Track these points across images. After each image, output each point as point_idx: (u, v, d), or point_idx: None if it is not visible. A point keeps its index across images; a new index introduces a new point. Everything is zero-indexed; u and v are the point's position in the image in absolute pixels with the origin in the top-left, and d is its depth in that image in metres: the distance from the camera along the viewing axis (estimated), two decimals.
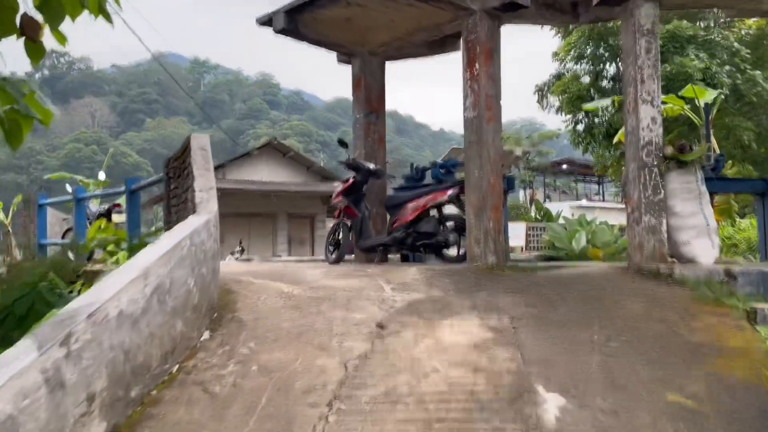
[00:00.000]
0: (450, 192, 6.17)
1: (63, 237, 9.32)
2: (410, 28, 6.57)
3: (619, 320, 3.97)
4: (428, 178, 6.98)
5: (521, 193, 32.56)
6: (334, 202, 6.69)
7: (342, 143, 6.72)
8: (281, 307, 4.06)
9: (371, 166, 6.67)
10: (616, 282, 5.00)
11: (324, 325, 3.74)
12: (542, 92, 18.36)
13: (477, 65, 5.63)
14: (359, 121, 7.08)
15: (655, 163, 5.21)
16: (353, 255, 7.14)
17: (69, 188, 10.03)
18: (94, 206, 9.24)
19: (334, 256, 6.69)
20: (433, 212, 6.38)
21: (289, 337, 3.59)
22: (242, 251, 16.71)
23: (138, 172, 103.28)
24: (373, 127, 7.09)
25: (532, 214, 22.04)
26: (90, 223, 9.10)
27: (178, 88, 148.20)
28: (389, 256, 7.17)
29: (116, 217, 8.93)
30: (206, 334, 3.56)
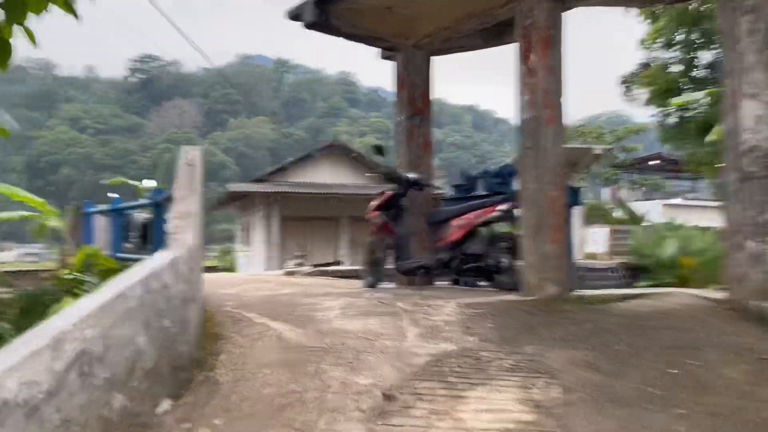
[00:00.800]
0: (501, 207, 5.23)
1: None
2: (458, 15, 5.65)
3: (717, 396, 2.93)
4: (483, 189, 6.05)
5: (604, 192, 30.52)
6: (369, 218, 5.89)
7: (378, 150, 5.89)
8: (273, 362, 3.31)
9: (412, 175, 5.82)
10: (711, 327, 3.90)
11: (316, 394, 2.95)
12: (628, 84, 16.76)
13: (533, 56, 4.65)
14: (402, 125, 6.24)
15: (764, 174, 4.05)
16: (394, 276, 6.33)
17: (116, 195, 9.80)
18: (141, 216, 8.91)
19: (369, 279, 5.91)
20: (484, 230, 5.46)
21: (269, 410, 2.82)
22: (303, 257, 16.28)
23: (223, 171, 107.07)
24: (418, 130, 6.23)
25: (617, 215, 20.35)
26: (130, 237, 8.78)
27: (260, 88, 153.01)
28: (436, 279, 6.30)
29: None
30: (165, 405, 2.85)
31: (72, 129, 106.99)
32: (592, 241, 16.12)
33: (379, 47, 6.36)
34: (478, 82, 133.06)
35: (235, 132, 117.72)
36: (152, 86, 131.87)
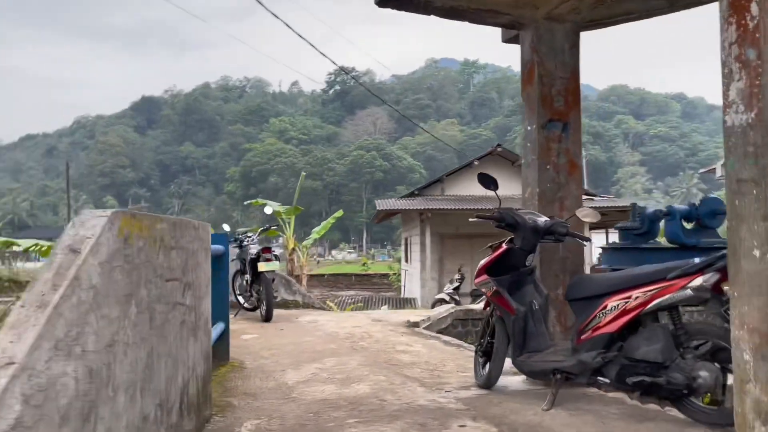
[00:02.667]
0: (698, 281, 2.94)
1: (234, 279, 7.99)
2: None
3: None
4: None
5: None
6: (476, 284, 3.88)
7: (486, 180, 3.82)
8: None
9: (542, 219, 3.72)
10: None
11: None
12: None
13: (751, 15, 2.33)
14: (530, 136, 4.13)
15: None
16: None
17: (226, 228, 8.89)
18: (255, 247, 7.82)
19: (483, 373, 3.93)
20: (664, 318, 3.20)
21: None
22: (461, 280, 14.39)
23: (411, 175, 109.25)
24: (557, 145, 4.07)
25: None
26: (238, 273, 7.71)
27: (448, 91, 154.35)
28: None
29: (264, 266, 7.35)
30: None
31: (279, 140, 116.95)
32: None
33: (496, 25, 4.31)
34: (679, 67, 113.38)
35: (423, 136, 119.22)
36: (347, 96, 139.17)
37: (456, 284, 14.20)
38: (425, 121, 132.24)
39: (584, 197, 15.95)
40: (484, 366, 3.97)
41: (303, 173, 14.23)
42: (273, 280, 7.75)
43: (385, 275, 32.15)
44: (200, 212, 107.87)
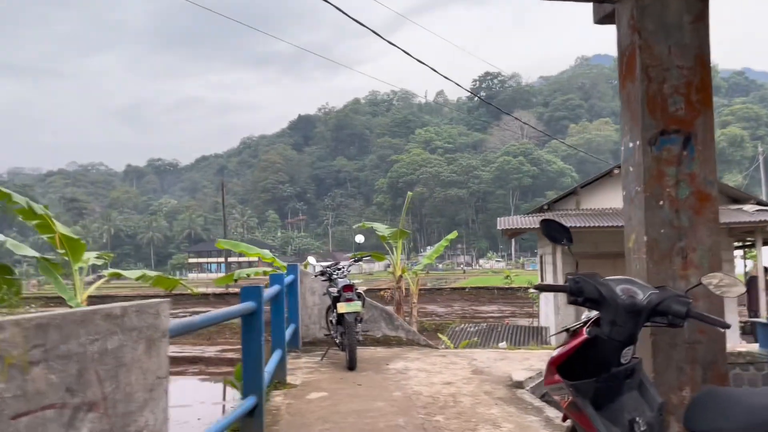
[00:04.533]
0: None
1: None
2: None
3: None
4: None
5: None
6: (547, 387, 2.62)
7: (552, 231, 2.50)
8: None
9: (644, 293, 2.38)
10: None
11: None
12: None
13: None
14: (634, 157, 2.78)
15: None
16: None
17: (312, 261, 8.13)
18: (342, 281, 6.95)
19: None
20: None
21: None
22: None
23: (562, 179, 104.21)
24: (675, 169, 2.68)
25: None
26: (329, 308, 6.86)
27: (602, 89, 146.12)
28: None
29: (344, 307, 6.49)
30: None
31: (425, 150, 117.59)
32: None
33: None
34: None
35: (575, 138, 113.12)
36: (493, 102, 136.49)
37: (590, 313, 12.29)
38: (576, 122, 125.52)
39: (754, 212, 12.69)
40: None
41: (410, 193, 13.27)
42: (359, 320, 6.86)
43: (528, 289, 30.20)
44: (352, 224, 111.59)
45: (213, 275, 55.61)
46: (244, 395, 4.03)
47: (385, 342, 8.59)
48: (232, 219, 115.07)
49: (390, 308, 8.95)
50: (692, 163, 2.68)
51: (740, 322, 13.69)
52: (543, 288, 2.51)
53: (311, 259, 7.86)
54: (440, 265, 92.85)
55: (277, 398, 5.37)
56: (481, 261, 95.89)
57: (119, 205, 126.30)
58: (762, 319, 3.69)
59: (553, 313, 13.52)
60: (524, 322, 19.54)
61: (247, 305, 4.02)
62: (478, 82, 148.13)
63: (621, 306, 2.37)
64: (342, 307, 6.45)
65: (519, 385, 5.66)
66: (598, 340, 2.41)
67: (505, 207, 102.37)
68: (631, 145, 2.77)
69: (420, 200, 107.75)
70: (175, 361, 22.16)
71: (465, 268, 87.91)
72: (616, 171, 14.08)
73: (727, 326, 2.33)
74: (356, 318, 6.66)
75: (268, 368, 5.42)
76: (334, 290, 6.79)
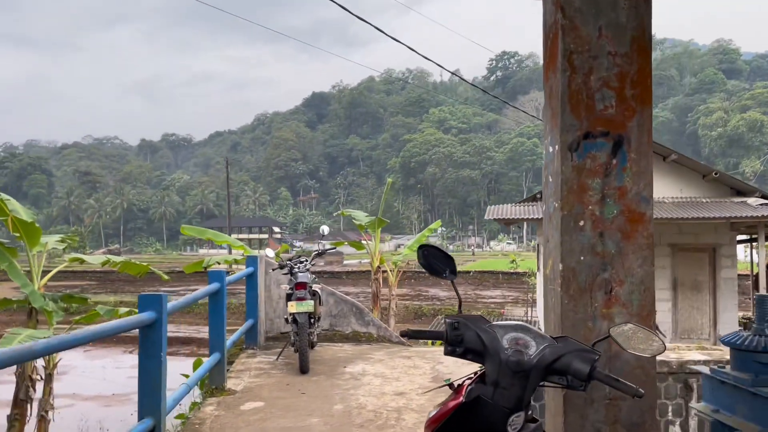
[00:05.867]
0: None
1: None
2: None
3: None
4: None
5: None
6: None
7: (430, 259, 1.97)
8: None
9: (536, 345, 1.85)
10: None
11: None
12: None
13: None
14: (551, 164, 2.24)
15: None
16: None
17: (326, 230, 7.48)
18: (302, 276, 6.47)
19: None
20: None
21: None
22: None
23: None
24: (600, 181, 2.14)
25: None
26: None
27: None
28: None
29: (294, 306, 6.02)
30: None
31: (438, 130, 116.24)
32: None
33: None
34: None
35: None
36: (509, 82, 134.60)
37: None
38: None
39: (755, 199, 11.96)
40: None
41: (389, 179, 12.68)
42: (316, 319, 6.39)
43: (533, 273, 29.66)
44: (363, 203, 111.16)
45: (223, 252, 55.47)
46: (140, 417, 3.59)
47: (354, 338, 8.15)
48: (244, 196, 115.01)
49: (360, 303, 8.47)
50: (623, 175, 2.15)
51: (741, 319, 13.07)
52: (414, 335, 2.01)
53: (268, 251, 7.36)
54: (451, 247, 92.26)
55: (208, 408, 4.95)
56: (492, 243, 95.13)
57: (132, 179, 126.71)
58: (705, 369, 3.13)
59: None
60: (519, 311, 19.00)
61: (142, 317, 3.56)
62: (494, 62, 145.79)
63: (504, 363, 1.86)
64: (292, 307, 5.99)
65: None
66: (481, 402, 1.90)
67: (518, 189, 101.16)
68: (551, 149, 2.24)
69: (432, 181, 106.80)
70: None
71: (475, 250, 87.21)
72: None
73: (640, 395, 1.80)
74: (310, 318, 6.20)
75: (199, 373, 4.99)
76: (287, 287, 6.33)
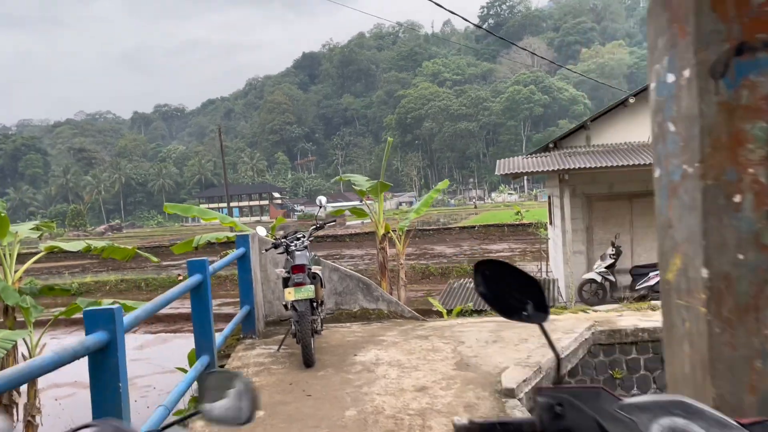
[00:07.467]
0: None
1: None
2: None
3: None
4: None
5: None
6: None
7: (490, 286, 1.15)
8: None
9: None
10: None
11: None
12: None
13: None
14: (671, 100, 1.37)
15: None
16: None
17: (323, 200, 6.66)
18: (301, 256, 5.64)
19: None
20: None
21: None
22: (617, 255, 11.08)
23: (575, 107, 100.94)
24: (762, 132, 1.28)
25: None
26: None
27: (615, 10, 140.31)
28: None
29: (292, 293, 5.21)
30: None
31: (433, 83, 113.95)
32: None
33: None
34: None
35: (587, 63, 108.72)
36: (501, 30, 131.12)
37: (610, 260, 11.01)
38: (588, 46, 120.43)
39: None
40: None
41: (390, 139, 11.71)
42: (318, 303, 5.59)
43: (542, 224, 28.95)
44: (362, 162, 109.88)
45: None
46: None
47: (363, 316, 7.41)
48: (241, 163, 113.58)
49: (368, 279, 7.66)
50: None
51: None
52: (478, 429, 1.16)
53: (260, 230, 6.51)
54: (452, 201, 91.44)
55: (199, 424, 4.18)
56: (493, 195, 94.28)
57: (128, 153, 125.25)
58: None
59: (561, 262, 12.19)
60: (532, 267, 18.28)
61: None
62: (485, 9, 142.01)
63: None
64: (290, 294, 5.19)
65: (510, 393, 4.40)
66: None
67: (517, 138, 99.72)
68: (670, 77, 1.36)
69: (429, 136, 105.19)
70: (170, 318, 21.33)
71: (477, 203, 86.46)
72: (631, 100, 12.34)
73: None
74: (312, 303, 5.39)
75: (180, 389, 4.21)
76: (283, 271, 5.50)
